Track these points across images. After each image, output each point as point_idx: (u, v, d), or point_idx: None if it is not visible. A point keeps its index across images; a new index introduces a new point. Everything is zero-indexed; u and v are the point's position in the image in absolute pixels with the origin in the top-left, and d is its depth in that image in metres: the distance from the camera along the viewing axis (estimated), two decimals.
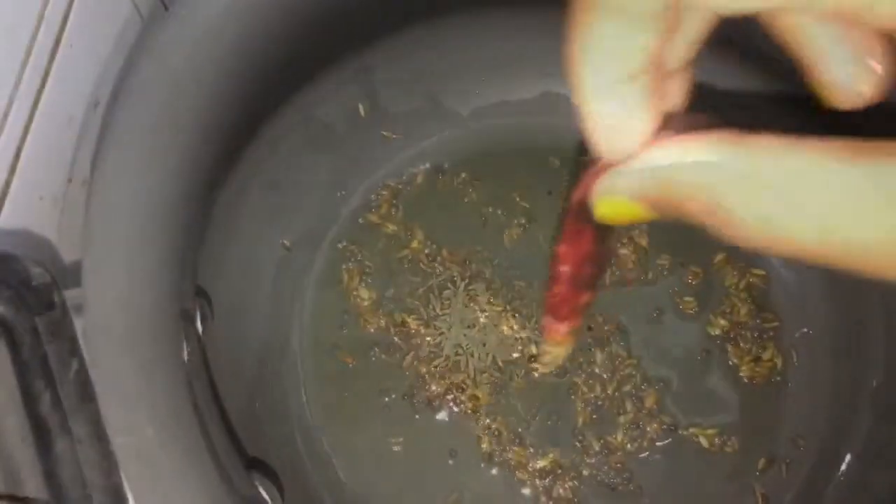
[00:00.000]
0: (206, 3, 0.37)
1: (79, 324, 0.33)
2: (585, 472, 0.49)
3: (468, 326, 0.52)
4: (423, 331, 0.52)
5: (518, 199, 0.55)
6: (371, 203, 0.54)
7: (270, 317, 0.50)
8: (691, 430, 0.50)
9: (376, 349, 0.52)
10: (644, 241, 0.53)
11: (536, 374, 0.51)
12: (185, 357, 0.34)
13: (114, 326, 0.32)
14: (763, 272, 0.53)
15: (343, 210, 0.54)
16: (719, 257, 0.53)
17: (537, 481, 0.49)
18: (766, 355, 0.51)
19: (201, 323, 0.38)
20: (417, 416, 0.50)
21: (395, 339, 0.52)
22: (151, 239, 0.34)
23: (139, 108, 0.35)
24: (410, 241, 0.54)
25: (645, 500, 0.49)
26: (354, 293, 0.52)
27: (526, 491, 0.49)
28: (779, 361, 0.51)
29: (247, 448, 0.41)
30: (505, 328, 0.51)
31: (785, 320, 0.52)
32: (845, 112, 0.21)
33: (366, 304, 0.52)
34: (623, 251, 0.53)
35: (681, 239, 0.54)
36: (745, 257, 0.53)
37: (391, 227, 0.54)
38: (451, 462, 0.50)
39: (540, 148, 0.56)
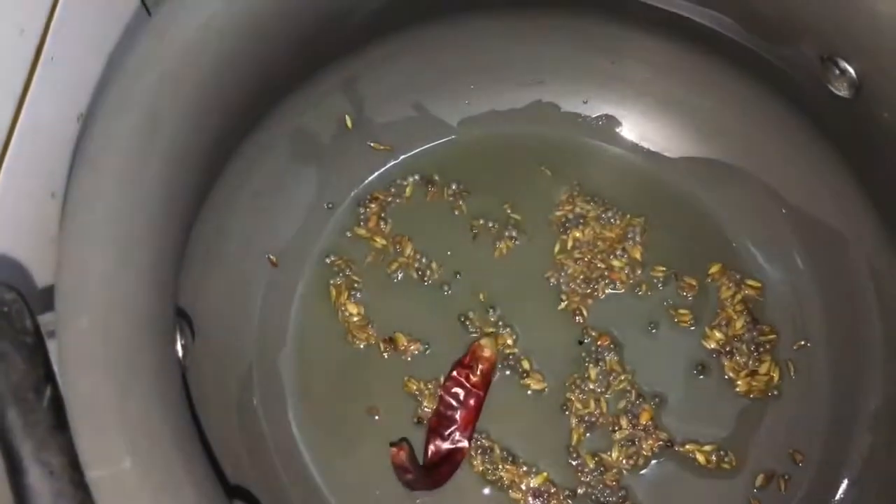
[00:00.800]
0: (187, 16, 0.36)
1: (53, 349, 0.31)
2: (580, 491, 0.48)
3: (459, 342, 0.50)
4: (412, 348, 0.51)
5: (509, 210, 0.54)
6: (359, 216, 0.53)
7: (257, 336, 0.49)
8: (687, 446, 0.49)
9: (365, 366, 0.50)
10: (638, 253, 0.52)
11: (529, 391, 0.50)
12: (164, 382, 0.33)
13: (89, 351, 0.31)
14: (759, 283, 0.52)
15: (330, 223, 0.53)
16: (714, 268, 0.52)
17: (531, 500, 0.48)
18: (762, 369, 0.50)
19: (182, 346, 0.37)
20: (407, 436, 0.49)
21: (385, 355, 0.51)
22: (128, 260, 0.33)
23: (116, 124, 0.34)
24: (399, 254, 0.53)
25: None
26: (343, 309, 0.51)
27: None
28: (775, 375, 0.50)
29: (228, 477, 0.40)
30: (497, 343, 0.50)
31: (781, 333, 0.51)
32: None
33: (354, 319, 0.51)
34: (616, 263, 0.52)
35: (675, 250, 0.53)
36: (740, 268, 0.52)
37: (380, 241, 0.53)
38: None
39: (531, 158, 0.55)
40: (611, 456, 0.49)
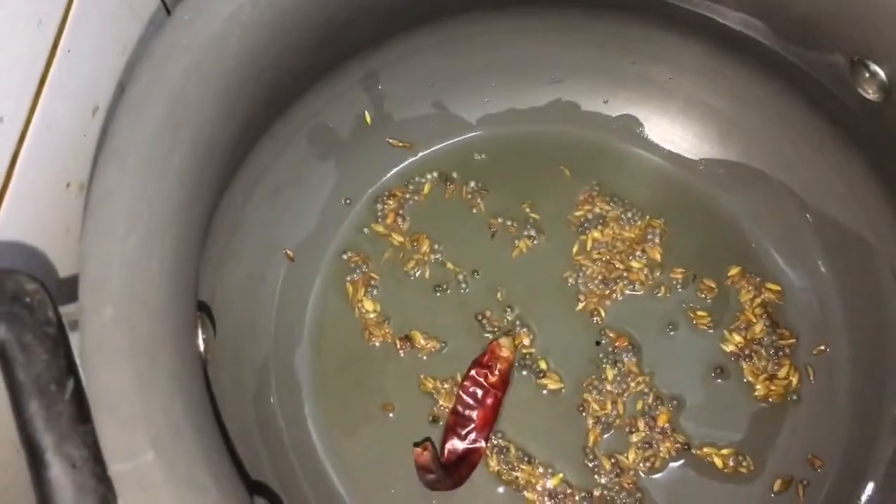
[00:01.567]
0: (209, 11, 0.36)
1: (75, 341, 0.31)
2: (596, 493, 0.48)
3: (476, 341, 0.50)
4: (429, 346, 0.50)
5: (528, 210, 0.53)
6: (377, 213, 0.53)
7: (273, 331, 0.49)
8: (705, 449, 0.49)
9: (381, 364, 0.50)
10: (657, 254, 0.52)
11: (545, 391, 0.50)
12: (187, 376, 0.33)
13: (112, 343, 0.31)
14: (779, 287, 0.51)
15: (348, 219, 0.53)
16: (734, 271, 0.52)
17: (546, 501, 0.48)
18: (781, 373, 0.50)
19: (203, 339, 0.37)
20: (422, 434, 0.49)
21: (401, 353, 0.50)
22: (151, 252, 0.32)
23: (140, 116, 0.34)
24: (417, 252, 0.52)
25: None
26: (359, 306, 0.51)
27: None
28: (795, 380, 0.50)
29: (249, 472, 0.40)
30: (514, 342, 0.50)
31: (801, 337, 0.50)
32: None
33: (371, 316, 0.51)
34: (635, 264, 0.52)
35: (695, 252, 0.52)
36: (760, 271, 0.52)
37: (397, 238, 0.52)
38: None
39: (550, 157, 0.54)
40: (627, 458, 0.48)
